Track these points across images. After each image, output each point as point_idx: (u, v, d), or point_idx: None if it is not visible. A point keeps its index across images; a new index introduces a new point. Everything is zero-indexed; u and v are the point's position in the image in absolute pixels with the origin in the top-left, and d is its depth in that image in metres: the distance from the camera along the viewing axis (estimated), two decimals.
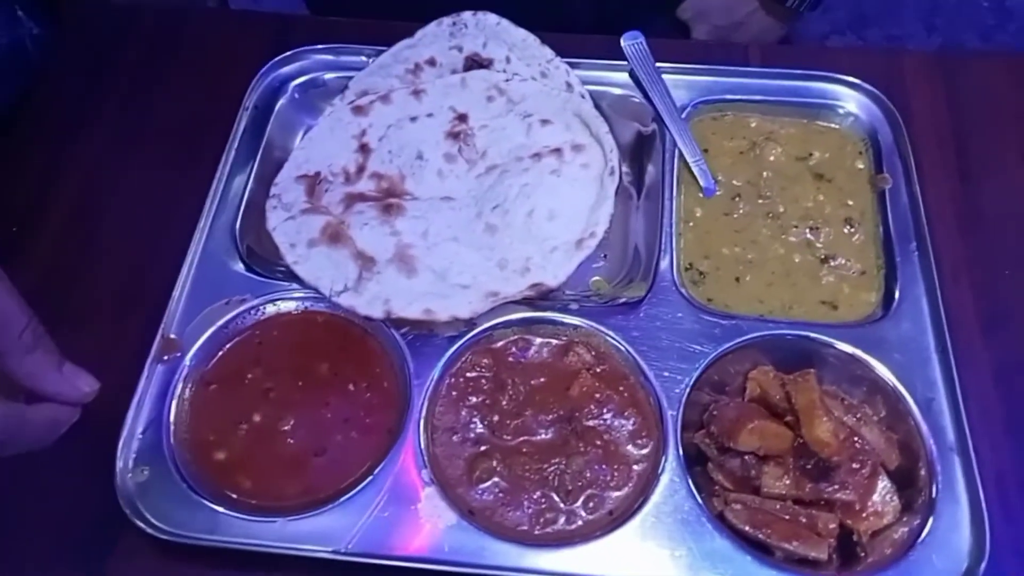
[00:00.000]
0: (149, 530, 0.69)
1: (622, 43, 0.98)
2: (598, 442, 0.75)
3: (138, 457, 0.73)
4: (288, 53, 0.99)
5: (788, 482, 0.72)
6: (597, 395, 0.77)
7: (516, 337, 0.82)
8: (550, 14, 1.00)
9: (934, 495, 0.71)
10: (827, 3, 1.21)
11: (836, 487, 0.71)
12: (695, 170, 0.92)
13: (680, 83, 0.97)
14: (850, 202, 0.90)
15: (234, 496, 0.73)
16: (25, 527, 0.74)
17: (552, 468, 0.74)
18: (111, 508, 0.71)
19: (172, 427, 0.75)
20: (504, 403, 0.77)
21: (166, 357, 0.78)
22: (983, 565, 0.67)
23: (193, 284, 0.83)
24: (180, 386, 0.77)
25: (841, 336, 0.79)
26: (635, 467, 0.74)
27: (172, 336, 0.79)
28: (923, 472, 0.73)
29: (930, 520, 0.70)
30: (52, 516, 0.74)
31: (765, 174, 0.92)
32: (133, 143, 0.99)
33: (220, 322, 0.80)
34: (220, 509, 0.71)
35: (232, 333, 0.81)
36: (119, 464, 0.72)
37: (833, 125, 0.96)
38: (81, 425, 0.78)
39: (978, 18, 2.70)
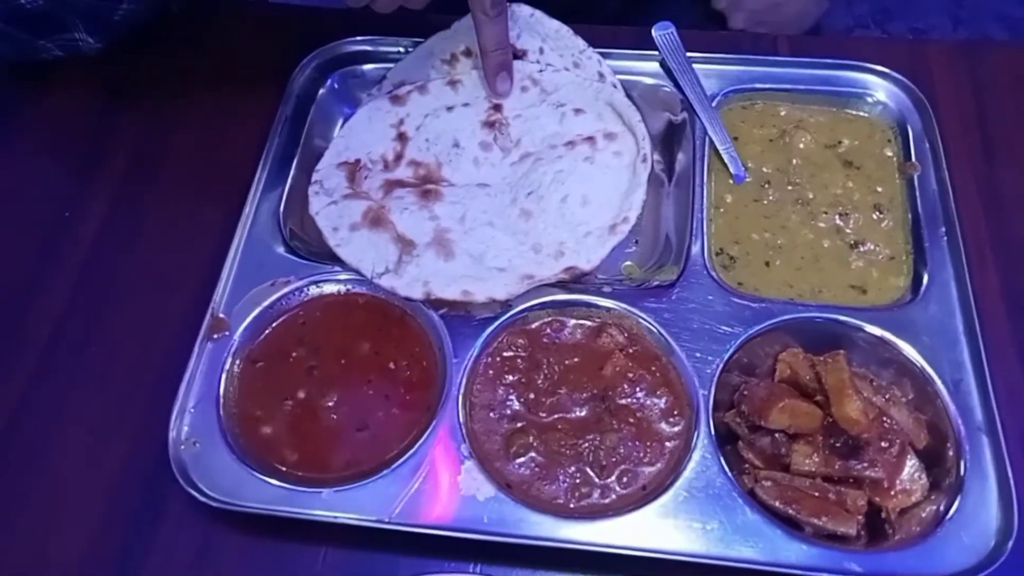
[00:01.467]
0: (201, 498, 0.72)
1: (653, 33, 1.00)
2: (631, 420, 0.77)
3: (190, 429, 0.76)
4: (328, 45, 1.02)
5: (817, 459, 0.73)
6: (630, 375, 0.79)
7: (550, 319, 0.84)
8: (582, 5, 1.02)
9: (962, 474, 0.73)
10: None
11: (865, 465, 0.72)
12: (725, 157, 0.94)
13: (710, 72, 0.99)
14: (879, 188, 0.92)
15: (282, 468, 0.76)
16: (82, 494, 0.78)
17: (587, 444, 0.76)
18: (164, 477, 0.74)
19: (222, 402, 0.78)
20: (539, 381, 0.80)
21: (215, 335, 0.81)
22: (1011, 543, 0.68)
23: (240, 266, 0.86)
24: (228, 363, 0.80)
25: (870, 319, 0.81)
26: (667, 444, 0.76)
27: (221, 315, 0.82)
28: (951, 452, 0.74)
29: (958, 498, 0.71)
30: (108, 483, 0.78)
31: (794, 161, 0.94)
32: (178, 131, 1.03)
33: (266, 303, 0.83)
34: (268, 480, 0.74)
35: (277, 313, 0.84)
36: (172, 435, 0.75)
37: (862, 113, 0.98)
38: (135, 399, 0.83)
39: (1004, 9, 2.68)
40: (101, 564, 0.75)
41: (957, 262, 0.84)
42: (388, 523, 0.71)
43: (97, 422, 0.81)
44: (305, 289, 0.85)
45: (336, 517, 0.71)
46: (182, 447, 0.75)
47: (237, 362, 0.81)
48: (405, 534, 0.71)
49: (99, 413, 0.82)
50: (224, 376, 0.79)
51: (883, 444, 0.73)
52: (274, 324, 0.83)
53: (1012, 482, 0.71)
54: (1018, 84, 1.02)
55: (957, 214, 0.87)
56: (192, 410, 0.77)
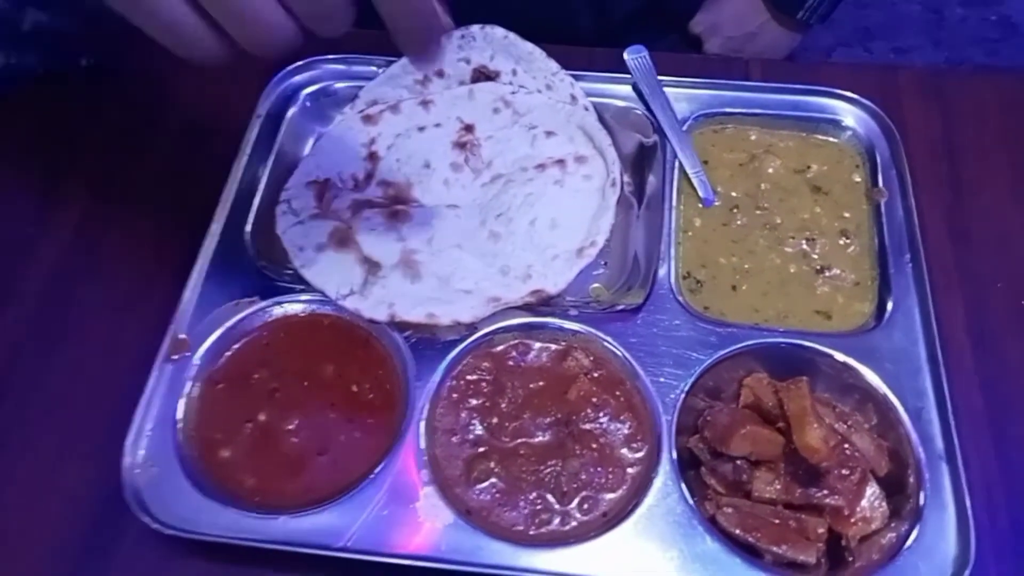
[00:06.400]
0: (155, 525, 0.71)
1: (625, 56, 1.00)
2: (594, 445, 0.77)
3: (146, 454, 0.75)
4: (300, 62, 1.02)
5: (779, 487, 0.73)
6: (594, 399, 0.79)
7: (516, 342, 0.83)
8: (558, 30, 1.02)
9: (922, 502, 0.73)
10: (833, 17, 1.23)
11: (825, 492, 0.72)
12: (695, 181, 0.94)
13: (682, 96, 0.99)
14: (846, 214, 0.92)
15: (238, 493, 0.75)
16: (33, 522, 0.76)
17: (548, 470, 0.76)
18: (118, 504, 0.72)
19: (180, 425, 0.77)
20: (503, 406, 0.79)
21: (175, 356, 0.80)
22: (967, 572, 0.68)
23: (204, 286, 0.85)
24: (188, 385, 0.79)
25: (834, 345, 0.81)
26: (629, 470, 0.76)
27: (182, 336, 0.81)
28: (912, 479, 0.74)
29: (917, 526, 0.71)
30: (60, 511, 0.77)
31: (763, 186, 0.94)
32: (147, 147, 1.02)
33: (229, 323, 0.82)
34: (224, 506, 0.72)
35: (240, 334, 0.83)
36: (126, 460, 0.74)
37: (831, 139, 0.98)
38: (94, 423, 0.81)
39: (983, 33, 2.72)
40: None
41: (921, 290, 0.84)
42: (343, 551, 0.70)
43: (54, 447, 0.80)
44: (269, 309, 0.84)
45: (291, 545, 0.70)
46: (137, 471, 0.74)
47: (197, 384, 0.80)
48: (361, 562, 0.70)
49: (56, 438, 0.80)
50: (183, 398, 0.78)
51: (844, 472, 0.73)
52: (236, 345, 0.82)
53: (970, 512, 0.71)
54: (986, 114, 1.03)
55: (923, 242, 0.87)
56: (149, 433, 0.76)
